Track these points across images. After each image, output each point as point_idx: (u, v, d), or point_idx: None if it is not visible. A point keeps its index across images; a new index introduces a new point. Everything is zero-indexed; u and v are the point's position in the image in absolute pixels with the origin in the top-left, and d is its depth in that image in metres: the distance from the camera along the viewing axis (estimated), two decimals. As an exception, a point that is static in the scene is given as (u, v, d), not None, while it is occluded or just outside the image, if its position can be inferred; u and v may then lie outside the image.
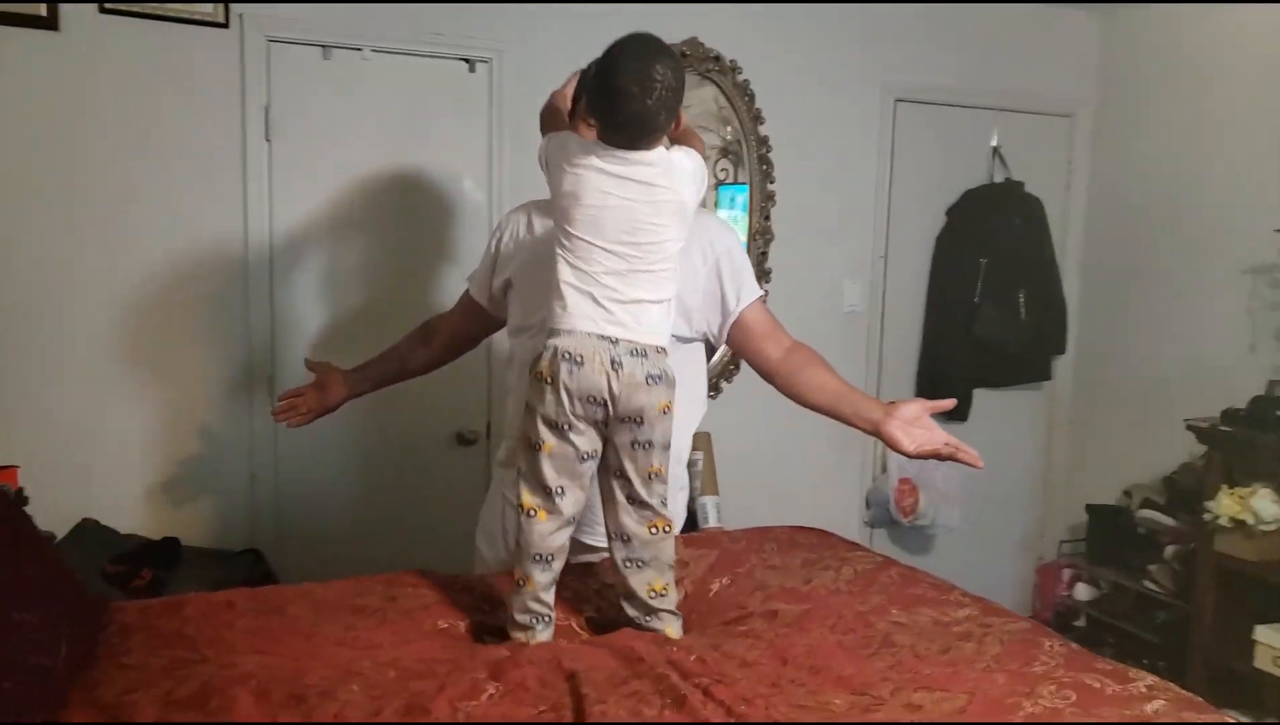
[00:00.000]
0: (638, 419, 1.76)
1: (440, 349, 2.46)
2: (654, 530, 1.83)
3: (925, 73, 4.13)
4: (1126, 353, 4.29)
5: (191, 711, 1.47)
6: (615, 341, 1.75)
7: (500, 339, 2.53)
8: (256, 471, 3.21)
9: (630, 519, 1.82)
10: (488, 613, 1.95)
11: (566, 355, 1.73)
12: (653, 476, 1.81)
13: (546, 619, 1.81)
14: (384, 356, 2.45)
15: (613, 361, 1.74)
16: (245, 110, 3.09)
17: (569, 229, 1.78)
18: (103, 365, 3.02)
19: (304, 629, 1.82)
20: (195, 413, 3.14)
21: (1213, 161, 3.93)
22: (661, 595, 1.83)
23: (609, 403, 1.75)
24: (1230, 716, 1.51)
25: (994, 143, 4.29)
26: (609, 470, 1.82)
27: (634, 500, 1.82)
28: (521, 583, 1.79)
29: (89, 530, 2.82)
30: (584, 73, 2.02)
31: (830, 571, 2.08)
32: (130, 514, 2.99)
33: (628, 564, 1.83)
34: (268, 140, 3.13)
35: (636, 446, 1.79)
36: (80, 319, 2.98)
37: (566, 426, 1.75)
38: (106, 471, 3.03)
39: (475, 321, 2.43)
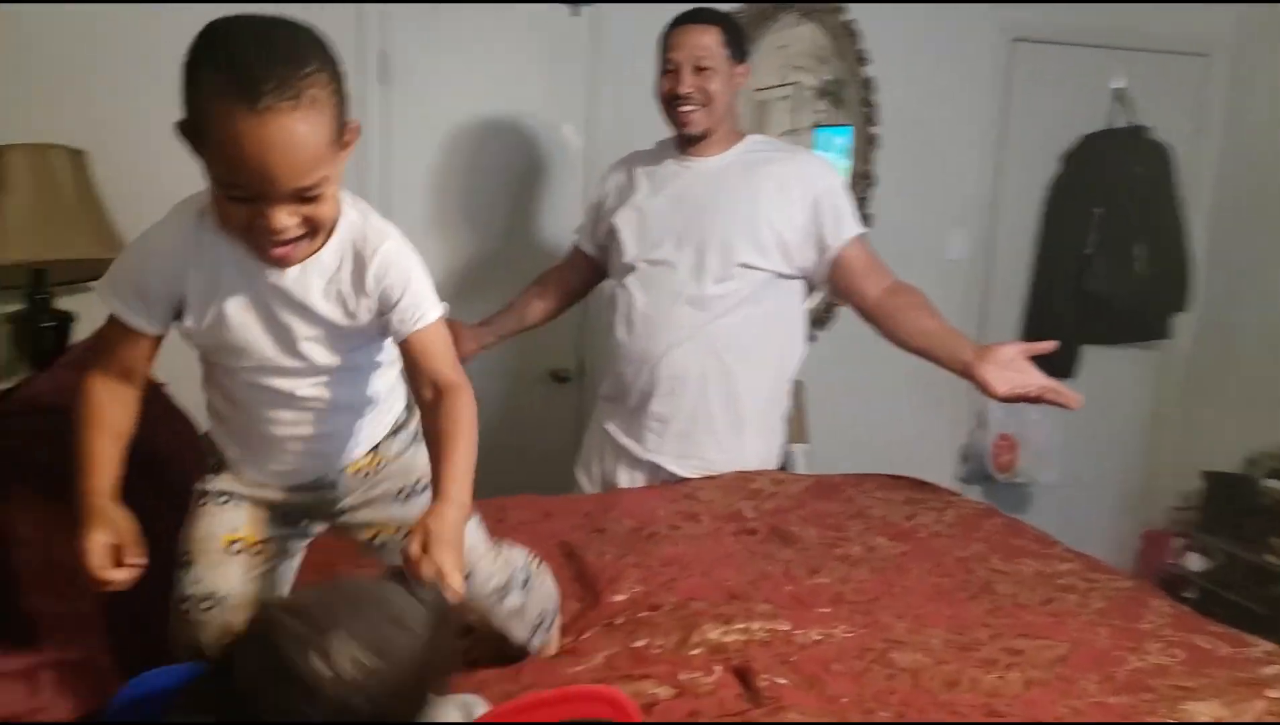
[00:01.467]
0: None
1: (555, 300, 2.65)
2: None
3: (1045, 10, 3.92)
4: (1258, 312, 4.06)
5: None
6: None
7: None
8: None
9: None
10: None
11: None
12: None
13: None
14: (506, 311, 2.61)
15: None
16: (364, 54, 3.07)
17: None
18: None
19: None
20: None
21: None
22: None
23: None
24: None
25: (1118, 85, 4.05)
26: None
27: None
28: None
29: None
30: None
31: (933, 512, 2.05)
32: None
33: None
34: (381, 84, 3.13)
35: None
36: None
37: None
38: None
39: (584, 273, 2.63)
